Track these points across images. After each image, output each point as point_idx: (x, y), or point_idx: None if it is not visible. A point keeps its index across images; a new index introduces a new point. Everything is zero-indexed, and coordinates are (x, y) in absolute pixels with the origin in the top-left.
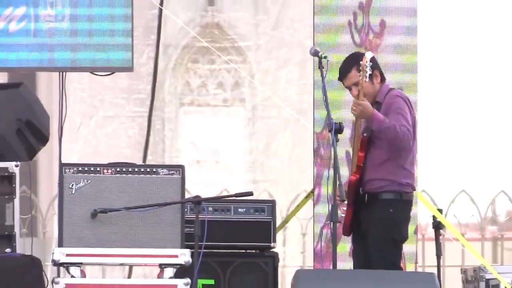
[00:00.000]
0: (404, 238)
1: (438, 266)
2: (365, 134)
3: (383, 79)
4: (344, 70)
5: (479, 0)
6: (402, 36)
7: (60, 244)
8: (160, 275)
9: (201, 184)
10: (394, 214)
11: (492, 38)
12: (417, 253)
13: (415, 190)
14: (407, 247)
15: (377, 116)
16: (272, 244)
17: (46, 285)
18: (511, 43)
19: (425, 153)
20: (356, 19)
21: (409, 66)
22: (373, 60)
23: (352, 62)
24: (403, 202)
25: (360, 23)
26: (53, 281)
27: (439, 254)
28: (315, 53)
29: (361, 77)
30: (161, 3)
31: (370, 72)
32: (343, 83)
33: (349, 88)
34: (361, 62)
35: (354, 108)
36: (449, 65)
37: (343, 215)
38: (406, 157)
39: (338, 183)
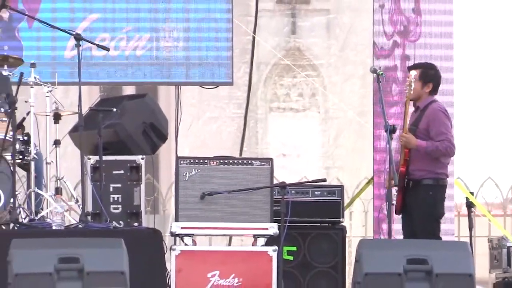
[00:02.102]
0: (442, 214)
1: (470, 237)
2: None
3: (433, 91)
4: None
5: None
6: (438, 27)
7: (177, 220)
8: (254, 244)
9: (286, 172)
10: (433, 196)
11: None
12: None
13: (448, 177)
14: (446, 222)
15: (420, 144)
16: (341, 219)
17: (165, 252)
18: None
19: (460, 148)
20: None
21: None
22: (432, 73)
23: (416, 66)
24: (439, 187)
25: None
26: (171, 248)
27: (471, 227)
28: (374, 71)
29: (406, 96)
30: (254, 31)
31: (413, 86)
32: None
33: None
34: (407, 79)
35: (400, 139)
36: (483, 67)
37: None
38: None
39: (392, 171)
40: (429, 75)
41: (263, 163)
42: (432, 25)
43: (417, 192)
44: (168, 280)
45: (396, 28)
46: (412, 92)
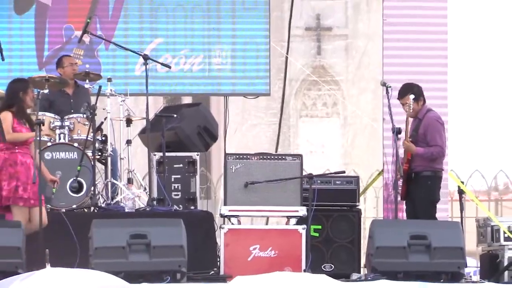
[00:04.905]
0: (438, 200)
1: (461, 217)
2: (410, 139)
3: (424, 101)
4: (401, 94)
5: None
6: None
7: (225, 204)
8: (287, 223)
9: (312, 166)
10: (431, 185)
11: None
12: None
13: (443, 170)
14: (441, 206)
15: (418, 151)
16: (357, 204)
17: (216, 230)
18: None
19: (453, 146)
20: None
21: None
22: (419, 90)
23: (407, 90)
24: (437, 178)
25: None
26: (220, 227)
27: (461, 209)
28: (383, 84)
29: (407, 116)
30: (287, 53)
31: (412, 107)
32: (399, 100)
33: (403, 104)
34: (407, 102)
35: (403, 145)
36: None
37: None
38: None
39: (398, 165)
40: (415, 92)
41: (294, 158)
42: (427, 25)
43: (418, 182)
44: (218, 252)
45: None
46: (412, 111)
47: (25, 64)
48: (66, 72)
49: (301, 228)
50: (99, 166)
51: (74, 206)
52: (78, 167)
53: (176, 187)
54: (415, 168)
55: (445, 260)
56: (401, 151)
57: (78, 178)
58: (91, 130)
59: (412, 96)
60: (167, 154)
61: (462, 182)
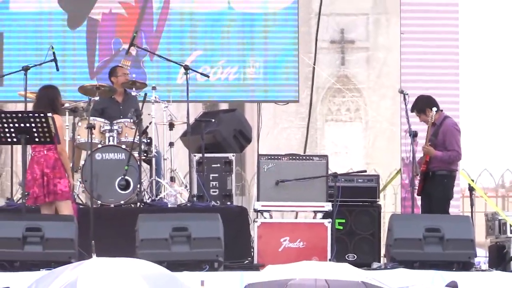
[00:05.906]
0: (452, 197)
1: (471, 212)
2: (430, 143)
3: (438, 108)
4: (419, 108)
5: None
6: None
7: (258, 200)
8: (314, 217)
9: (337, 166)
10: (447, 183)
11: None
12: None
13: (457, 171)
14: (453, 202)
15: (437, 154)
16: (377, 200)
17: (249, 223)
18: None
19: (465, 146)
20: None
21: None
22: (434, 101)
23: (427, 105)
24: (451, 177)
25: None
26: (254, 221)
27: (472, 205)
28: (401, 92)
29: (428, 126)
30: (314, 63)
31: (433, 119)
32: (417, 114)
33: (423, 116)
34: (429, 114)
35: (423, 149)
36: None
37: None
38: None
39: (414, 165)
40: (430, 104)
41: (321, 158)
42: (436, 26)
43: (436, 180)
44: (252, 243)
45: None
46: (432, 121)
47: (78, 72)
48: (120, 80)
49: (327, 222)
50: (145, 166)
51: (122, 202)
52: (126, 167)
53: (214, 184)
54: (433, 168)
55: (457, 251)
56: (418, 154)
57: (126, 177)
58: (137, 133)
59: (435, 109)
60: (206, 155)
61: (472, 180)
